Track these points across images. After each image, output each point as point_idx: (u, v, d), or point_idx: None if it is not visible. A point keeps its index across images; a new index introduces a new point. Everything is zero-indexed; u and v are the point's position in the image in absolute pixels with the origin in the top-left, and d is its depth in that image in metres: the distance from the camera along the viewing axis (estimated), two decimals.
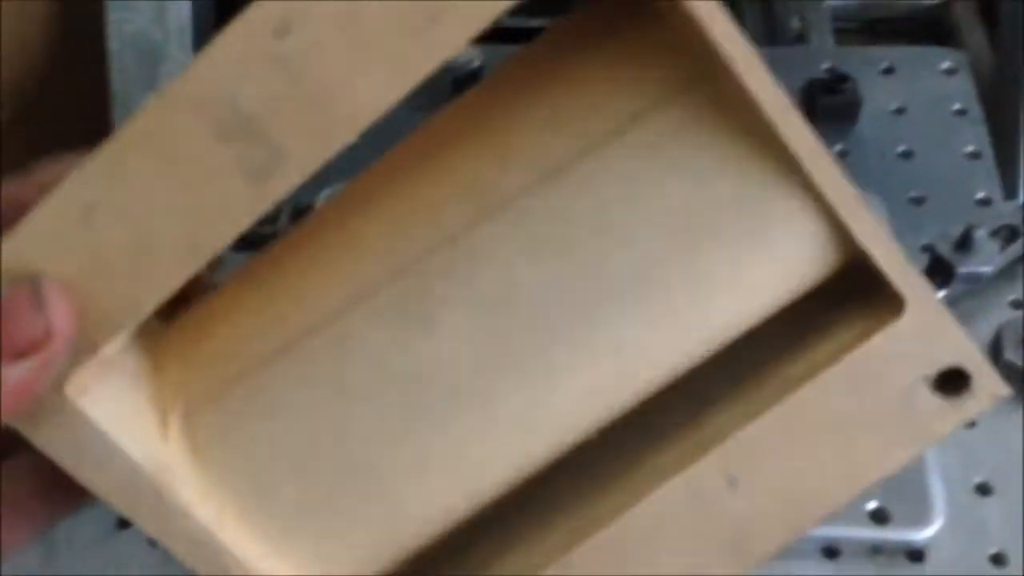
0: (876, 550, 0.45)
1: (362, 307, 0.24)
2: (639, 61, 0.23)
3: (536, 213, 0.23)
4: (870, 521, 0.44)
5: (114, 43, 0.66)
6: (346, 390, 0.24)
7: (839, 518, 0.44)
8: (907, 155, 0.61)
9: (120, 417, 0.23)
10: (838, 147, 0.62)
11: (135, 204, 0.21)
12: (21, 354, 0.21)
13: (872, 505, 0.45)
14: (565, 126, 0.23)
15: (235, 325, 0.25)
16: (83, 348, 0.22)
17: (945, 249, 0.52)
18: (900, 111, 0.63)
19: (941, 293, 0.51)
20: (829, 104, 0.62)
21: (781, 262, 0.24)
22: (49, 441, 0.23)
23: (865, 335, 0.24)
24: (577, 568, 0.25)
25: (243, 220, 0.22)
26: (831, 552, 0.45)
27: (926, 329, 0.24)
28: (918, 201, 0.58)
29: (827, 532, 0.45)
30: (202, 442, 0.25)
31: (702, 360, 0.25)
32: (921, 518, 0.44)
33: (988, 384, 0.24)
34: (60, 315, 0.21)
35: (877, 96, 0.63)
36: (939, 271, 0.52)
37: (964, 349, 0.24)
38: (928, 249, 0.53)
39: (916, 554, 0.45)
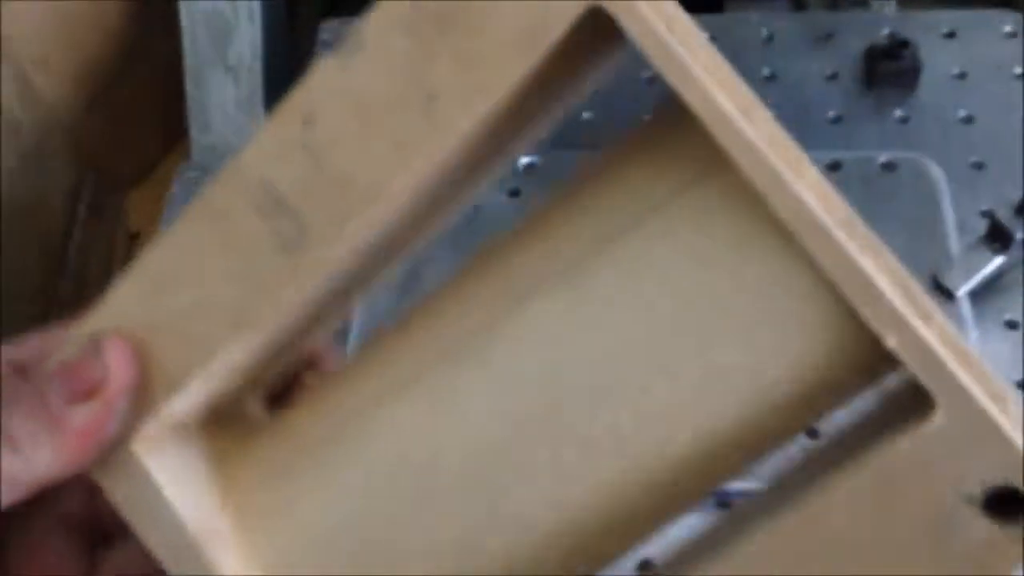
0: None
1: (400, 393, 0.25)
2: (661, 152, 0.23)
3: (555, 304, 0.23)
4: None
5: (186, 20, 0.68)
6: (373, 472, 0.25)
7: None
8: (968, 120, 0.61)
9: (180, 481, 0.25)
10: (898, 112, 0.62)
11: (195, 274, 0.24)
12: (84, 398, 0.24)
13: None
14: (591, 217, 0.23)
15: (304, 411, 0.27)
16: (146, 405, 0.25)
17: (1004, 215, 0.52)
18: (961, 75, 0.63)
19: (999, 259, 0.52)
20: (890, 70, 0.63)
21: (796, 352, 0.21)
22: (115, 490, 0.25)
23: (890, 440, 0.20)
24: None
25: (281, 290, 0.23)
26: None
27: (964, 435, 0.19)
28: (978, 166, 0.59)
29: None
30: (248, 516, 0.26)
31: (721, 454, 0.22)
32: None
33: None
34: (117, 362, 0.24)
35: (938, 60, 0.63)
36: (998, 237, 0.52)
37: (1015, 462, 0.19)
38: (987, 215, 0.53)
39: None
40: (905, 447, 0.20)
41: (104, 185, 0.77)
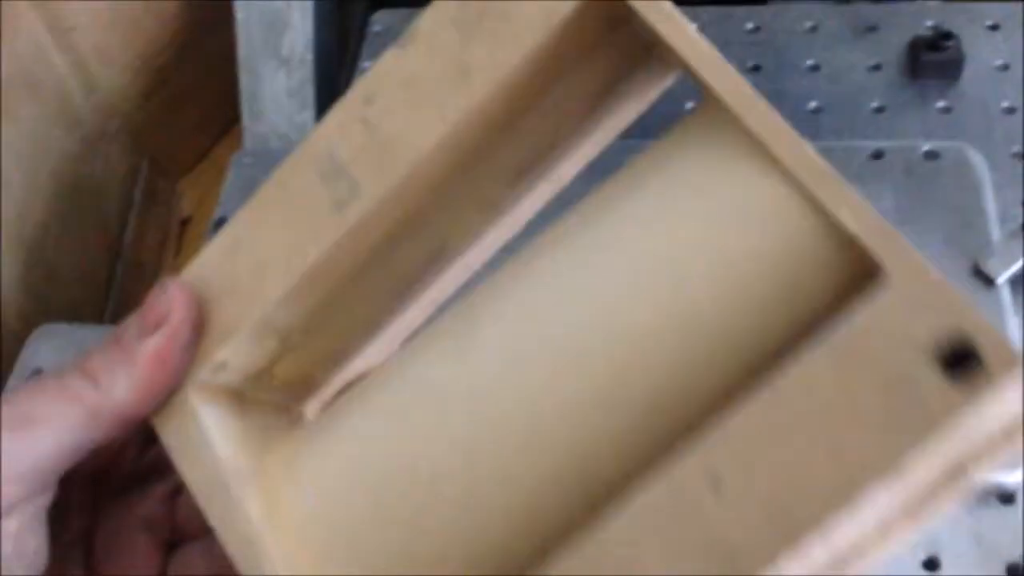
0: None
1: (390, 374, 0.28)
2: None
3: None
4: None
5: (242, 15, 0.69)
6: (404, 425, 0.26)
7: None
8: (1010, 111, 0.61)
9: (223, 430, 0.28)
10: (941, 103, 0.63)
11: (261, 238, 0.27)
12: (152, 330, 0.27)
13: None
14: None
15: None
16: (203, 354, 0.28)
17: None
18: (1004, 67, 0.63)
19: None
20: (933, 61, 0.63)
21: (758, 240, 0.23)
22: (167, 431, 0.28)
23: (848, 314, 0.21)
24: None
25: (325, 243, 0.27)
26: None
27: (916, 299, 0.20)
28: (1020, 156, 0.59)
29: None
30: (272, 475, 0.28)
31: (691, 348, 0.23)
32: (1013, 461, 0.45)
33: (998, 352, 0.20)
34: (178, 299, 0.27)
35: (981, 52, 0.64)
36: None
37: (965, 317, 0.20)
38: None
39: (1007, 497, 0.46)
40: (861, 319, 0.21)
41: (158, 171, 0.79)
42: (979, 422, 0.20)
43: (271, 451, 0.28)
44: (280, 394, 0.30)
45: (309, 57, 0.70)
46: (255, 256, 0.27)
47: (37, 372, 0.54)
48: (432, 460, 0.25)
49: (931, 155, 0.58)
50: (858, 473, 0.20)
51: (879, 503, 0.21)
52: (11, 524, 0.27)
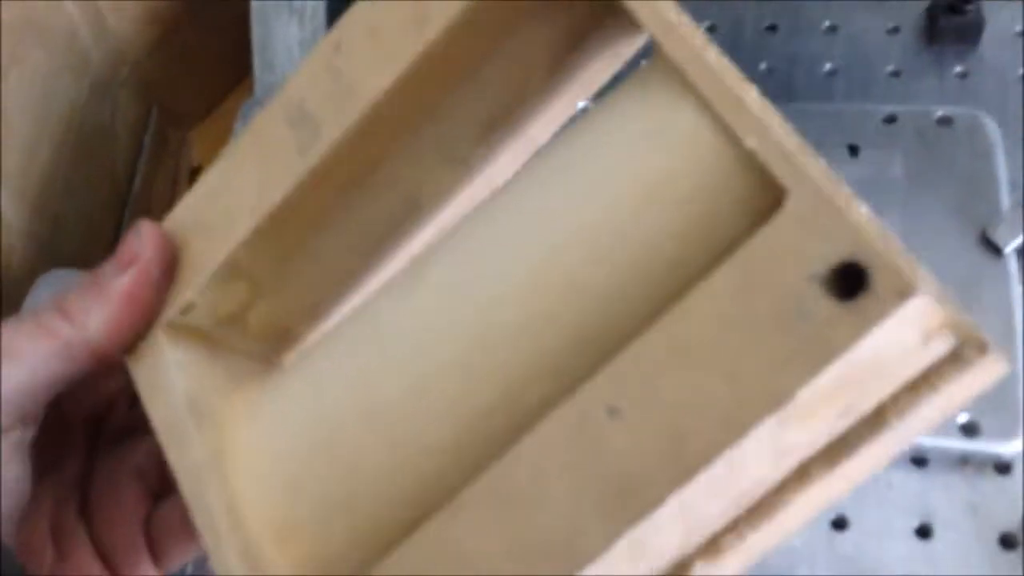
0: (964, 461, 0.46)
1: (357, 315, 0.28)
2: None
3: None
4: (959, 433, 0.46)
5: None
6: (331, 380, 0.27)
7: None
8: None
9: (189, 369, 0.28)
10: (958, 68, 0.62)
11: (233, 178, 0.28)
12: (125, 267, 0.28)
13: (964, 418, 0.46)
14: None
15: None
16: (174, 294, 0.29)
17: None
18: (1022, 34, 0.62)
19: None
20: (952, 25, 0.62)
21: (673, 165, 0.23)
22: (138, 371, 0.29)
23: (747, 234, 0.21)
24: (467, 510, 0.23)
25: (289, 184, 0.27)
26: (920, 461, 0.47)
27: (811, 222, 0.20)
28: None
29: (917, 442, 0.46)
30: (234, 420, 0.28)
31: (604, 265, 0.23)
32: (1010, 431, 0.45)
33: (889, 279, 0.19)
34: (150, 238, 0.29)
35: (1000, 18, 0.62)
36: None
37: (855, 239, 0.19)
38: None
39: (1004, 466, 0.46)
40: (758, 241, 0.20)
41: (169, 120, 0.79)
42: (875, 353, 0.19)
43: (239, 393, 0.28)
44: (257, 344, 0.31)
45: (321, 7, 0.70)
46: (226, 200, 0.28)
47: None
48: (371, 397, 0.25)
49: (944, 121, 0.57)
50: (750, 401, 0.20)
51: (784, 438, 0.20)
52: None
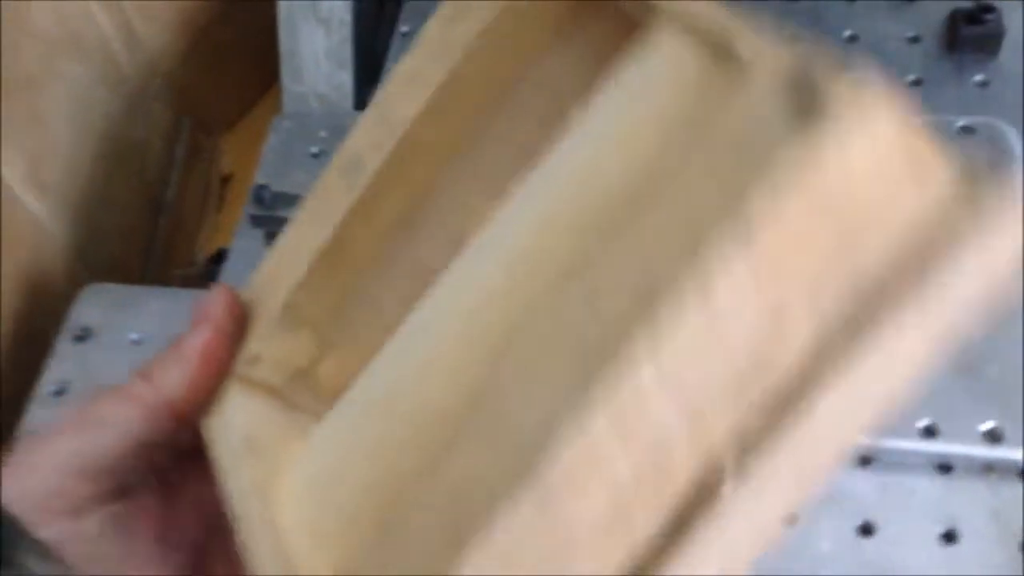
0: (988, 468, 0.47)
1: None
2: None
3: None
4: (984, 440, 0.47)
5: None
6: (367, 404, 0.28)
7: (955, 437, 0.47)
8: None
9: (256, 417, 0.29)
10: (979, 77, 0.63)
11: (294, 235, 0.30)
12: (200, 324, 0.30)
13: (987, 425, 0.47)
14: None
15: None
16: (245, 347, 0.30)
17: None
18: None
19: None
20: (972, 34, 0.63)
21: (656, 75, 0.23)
22: (209, 430, 0.29)
23: (715, 101, 0.20)
24: (457, 446, 0.21)
25: (336, 219, 0.29)
26: (945, 468, 0.48)
27: (764, 62, 0.20)
28: None
29: (942, 449, 0.47)
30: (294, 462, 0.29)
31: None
32: None
33: (843, 93, 0.18)
34: (218, 296, 0.30)
35: (1020, 26, 0.63)
36: None
37: (806, 64, 0.18)
38: None
39: None
40: (712, 94, 0.21)
41: (200, 129, 0.81)
42: (849, 185, 0.18)
43: (299, 443, 0.29)
44: (327, 404, 0.30)
45: (348, 18, 0.71)
46: (287, 253, 0.30)
47: (85, 330, 0.55)
48: (405, 396, 0.26)
49: (966, 131, 0.58)
50: (708, 233, 0.18)
51: (769, 289, 0.18)
52: (88, 525, 0.28)
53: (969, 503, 0.46)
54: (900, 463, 0.48)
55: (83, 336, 0.55)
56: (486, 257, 0.26)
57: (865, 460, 0.48)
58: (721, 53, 0.21)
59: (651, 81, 0.23)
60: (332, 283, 0.29)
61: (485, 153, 0.29)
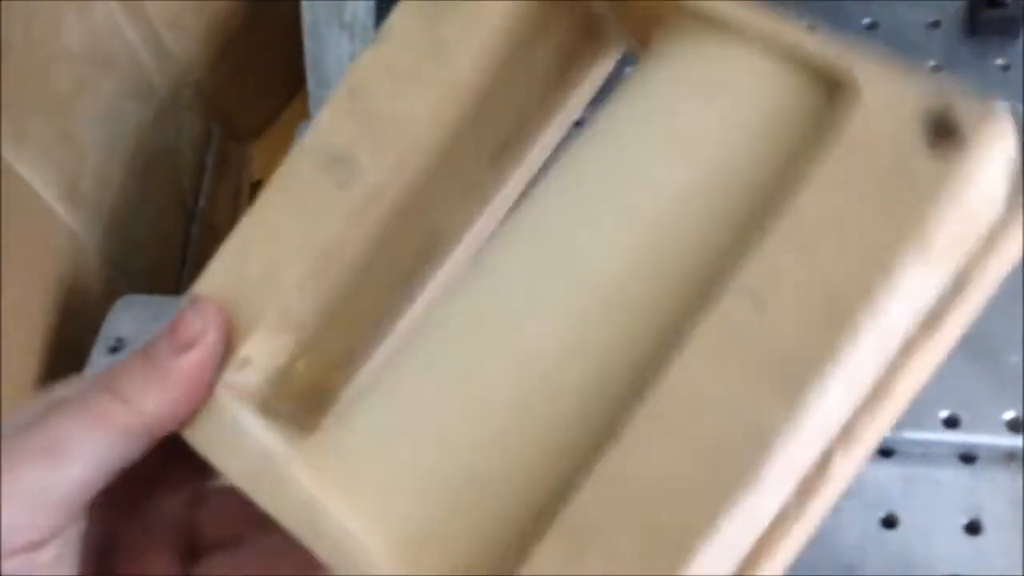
0: (1011, 457, 0.47)
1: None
2: None
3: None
4: (1007, 429, 0.47)
5: None
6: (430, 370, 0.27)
7: (977, 426, 0.47)
8: None
9: (257, 425, 0.28)
10: (1000, 61, 0.62)
11: (267, 231, 0.28)
12: (186, 346, 0.27)
13: (1009, 414, 0.47)
14: None
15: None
16: (229, 355, 0.28)
17: None
18: None
19: None
20: (992, 18, 0.63)
21: (749, 103, 0.25)
22: (199, 436, 0.28)
23: (839, 130, 0.23)
24: (635, 445, 0.23)
25: (336, 219, 0.28)
26: (968, 458, 0.48)
27: (889, 93, 0.22)
28: None
29: (964, 439, 0.48)
30: (325, 442, 0.28)
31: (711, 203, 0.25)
32: None
33: (974, 113, 0.21)
34: (212, 318, 0.27)
35: None
36: None
37: (936, 91, 0.21)
38: None
39: None
40: (854, 131, 0.22)
41: (230, 136, 0.82)
42: (978, 194, 0.22)
43: (299, 444, 0.29)
44: (297, 405, 0.31)
45: (371, 23, 0.72)
46: (266, 254, 0.28)
47: (119, 341, 0.57)
48: (477, 391, 0.26)
49: None
50: (884, 254, 0.22)
51: (923, 285, 0.22)
52: (46, 555, 0.26)
53: (992, 493, 0.47)
54: (923, 454, 0.48)
55: (117, 347, 0.57)
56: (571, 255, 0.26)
57: (887, 452, 0.48)
58: (827, 79, 0.23)
59: (743, 104, 0.25)
60: (323, 283, 0.29)
61: (464, 150, 0.29)
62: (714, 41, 0.25)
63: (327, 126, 0.28)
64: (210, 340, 0.27)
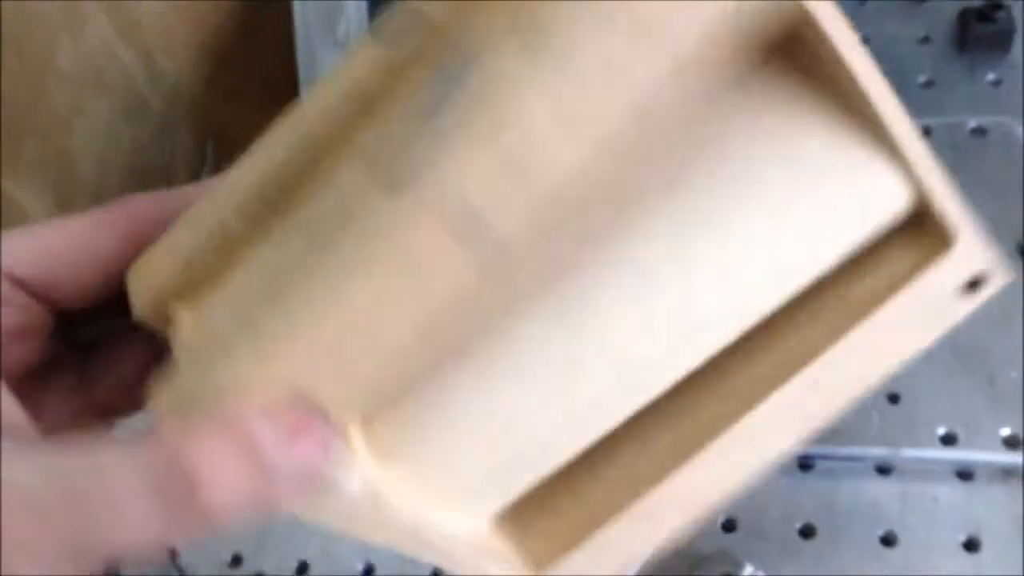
0: (1009, 473, 0.48)
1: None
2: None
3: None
4: (1003, 446, 0.48)
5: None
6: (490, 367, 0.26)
7: (975, 443, 0.48)
8: None
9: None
10: (991, 75, 0.63)
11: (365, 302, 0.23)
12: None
13: (1006, 431, 0.48)
14: None
15: None
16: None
17: None
18: None
19: None
20: (983, 32, 0.63)
21: (860, 207, 0.26)
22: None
23: (920, 266, 0.26)
24: (688, 482, 0.27)
25: (470, 317, 0.23)
26: (965, 475, 0.48)
27: (968, 254, 0.26)
28: None
29: (961, 456, 0.48)
30: (384, 443, 0.26)
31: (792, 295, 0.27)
32: None
33: (1000, 277, 0.27)
34: (332, 435, 0.24)
35: None
36: None
37: (989, 257, 0.26)
38: None
39: None
40: (932, 273, 0.26)
41: (224, 152, 0.82)
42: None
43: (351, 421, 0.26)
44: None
45: None
46: (369, 327, 0.23)
47: None
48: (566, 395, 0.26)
49: (978, 132, 0.58)
50: (890, 360, 0.27)
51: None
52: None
53: (990, 509, 0.47)
54: (920, 471, 0.48)
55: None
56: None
57: (885, 469, 0.49)
58: (929, 217, 0.26)
59: (842, 188, 0.26)
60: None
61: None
62: (863, 136, 0.26)
63: (459, 170, 0.21)
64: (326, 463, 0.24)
